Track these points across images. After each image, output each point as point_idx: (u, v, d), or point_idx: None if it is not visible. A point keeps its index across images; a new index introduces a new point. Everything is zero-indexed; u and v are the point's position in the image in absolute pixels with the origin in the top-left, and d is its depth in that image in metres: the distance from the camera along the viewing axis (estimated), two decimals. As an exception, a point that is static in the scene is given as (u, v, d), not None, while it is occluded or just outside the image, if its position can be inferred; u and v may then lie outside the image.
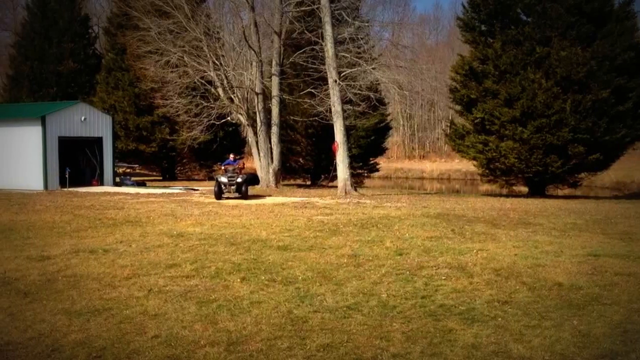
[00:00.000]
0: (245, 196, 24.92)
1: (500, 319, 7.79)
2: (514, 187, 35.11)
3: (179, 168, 48.82)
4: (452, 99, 35.18)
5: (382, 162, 48.32)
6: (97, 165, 34.18)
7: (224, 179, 24.94)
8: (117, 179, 35.90)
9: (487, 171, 33.58)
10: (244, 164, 27.29)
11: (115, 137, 37.11)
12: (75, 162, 33.79)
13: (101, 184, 33.78)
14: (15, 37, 51.74)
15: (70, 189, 30.56)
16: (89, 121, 33.27)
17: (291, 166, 41.67)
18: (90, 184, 33.28)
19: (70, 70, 48.28)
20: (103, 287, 9.51)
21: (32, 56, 48.23)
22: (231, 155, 27.61)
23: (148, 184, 37.47)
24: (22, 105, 40.62)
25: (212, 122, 35.71)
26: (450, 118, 49.76)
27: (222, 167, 26.24)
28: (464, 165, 51.37)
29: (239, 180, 24.90)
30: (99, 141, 34.00)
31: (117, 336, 7.12)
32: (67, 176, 31.60)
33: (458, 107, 34.80)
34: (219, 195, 24.76)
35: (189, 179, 46.00)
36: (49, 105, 36.90)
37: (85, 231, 15.41)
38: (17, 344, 6.85)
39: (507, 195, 32.68)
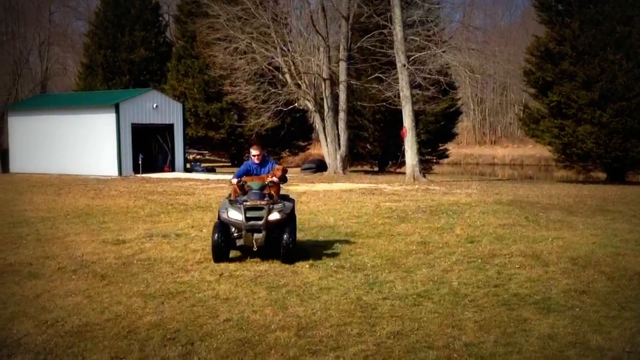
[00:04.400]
0: (290, 257, 10.17)
1: (577, 309, 7.53)
2: (592, 173, 34.07)
3: (246, 154, 49.26)
4: (527, 81, 34.34)
5: (452, 148, 47.56)
6: (169, 151, 34.91)
7: (235, 216, 10.17)
8: (188, 165, 36.62)
9: (563, 157, 32.70)
10: (283, 169, 11.03)
11: (186, 123, 37.82)
12: (148, 149, 34.60)
13: (172, 170, 34.49)
14: (89, 26, 53.17)
15: (143, 175, 31.31)
16: (161, 108, 33.98)
17: (358, 152, 41.52)
18: (162, 170, 34.03)
19: (142, 58, 49.32)
20: (176, 271, 9.68)
21: (105, 45, 49.48)
22: (254, 152, 11.06)
23: (217, 170, 38.08)
24: (97, 93, 41.83)
25: (279, 108, 35.91)
26: (524, 102, 48.65)
27: (235, 182, 10.73)
28: (538, 151, 50.12)
29: (274, 216, 10.15)
30: (170, 128, 34.71)
31: (190, 319, 7.23)
32: (140, 162, 32.41)
33: (532, 90, 33.95)
34: (220, 252, 10.25)
35: (257, 165, 46.35)
36: (122, 92, 37.89)
37: (158, 216, 15.75)
38: (94, 325, 7.03)
39: (584, 182, 31.67)
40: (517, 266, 9.78)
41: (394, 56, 30.31)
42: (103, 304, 7.89)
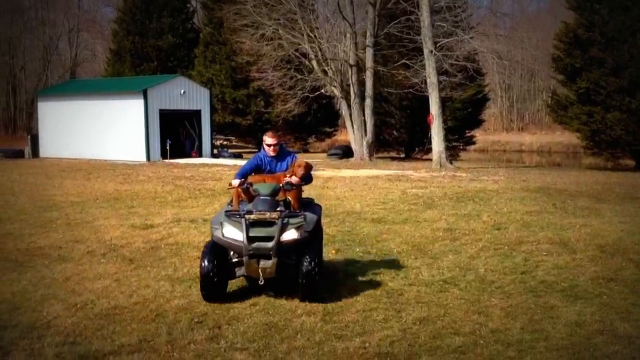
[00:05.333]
0: (312, 291, 7.28)
1: (605, 297, 7.48)
2: (620, 161, 33.61)
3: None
4: (555, 68, 33.91)
5: (479, 135, 47.14)
6: (196, 137, 35.12)
7: (232, 234, 7.25)
8: (215, 151, 36.82)
9: (591, 144, 32.30)
10: (306, 165, 7.99)
11: (213, 110, 37.94)
12: (175, 135, 34.82)
13: (200, 155, 34.71)
14: (118, 12, 53.45)
15: (171, 161, 31.54)
16: (188, 94, 34.16)
17: (385, 139, 41.37)
18: (189, 156, 34.24)
19: (170, 45, 49.50)
20: (203, 256, 9.76)
21: (133, 31, 49.72)
22: (269, 141, 8.22)
23: (244, 155, 38.19)
24: (125, 79, 42.15)
25: (306, 94, 35.88)
26: (552, 88, 47.99)
27: (236, 184, 7.84)
28: (566, 138, 49.53)
29: (290, 234, 7.24)
30: (197, 114, 34.90)
31: (217, 303, 7.29)
32: (167, 148, 32.64)
33: (561, 77, 33.53)
34: (211, 287, 7.28)
35: (283, 151, 46.45)
36: (150, 78, 38.13)
37: (186, 201, 15.88)
38: (123, 308, 7.13)
39: (612, 169, 31.27)
40: (544, 253, 9.72)
41: (421, 42, 30.09)
42: (131, 288, 8.00)
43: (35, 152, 36.05)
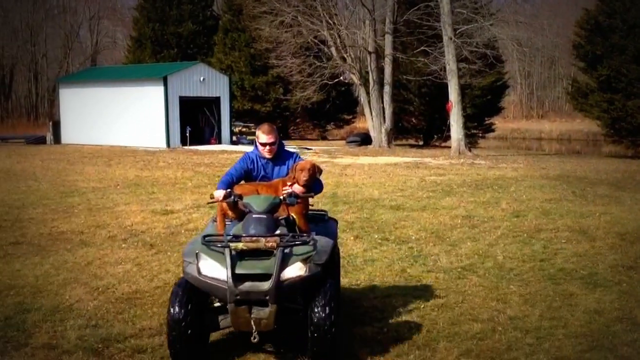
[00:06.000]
0: (326, 351, 5.03)
1: (624, 285, 7.45)
2: (641, 149, 33.27)
3: (292, 127, 49.47)
4: (576, 55, 33.60)
5: (498, 122, 46.78)
6: (215, 124, 35.24)
7: (212, 271, 5.06)
8: (234, 138, 36.93)
9: (611, 131, 32.01)
10: (312, 167, 5.84)
11: (232, 96, 38.03)
12: (195, 121, 34.96)
13: (219, 142, 34.84)
14: (138, 0, 53.62)
15: (191, 147, 31.71)
16: (208, 81, 34.28)
17: (403, 126, 41.25)
18: (208, 143, 34.38)
19: (190, 32, 49.60)
20: (222, 241, 9.83)
21: (153, 18, 49.85)
22: (263, 139, 6.01)
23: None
24: (145, 66, 42.34)
25: (324, 81, 35.85)
26: (572, 76, 47.54)
27: (220, 196, 5.64)
28: (586, 126, 49.02)
29: (293, 270, 5.05)
30: (216, 101, 35.00)
31: None
32: (187, 135, 32.81)
33: (582, 64, 33.20)
34: (181, 344, 5.04)
35: (302, 138, 46.55)
36: (170, 65, 38.30)
37: (205, 187, 15.98)
38: (144, 293, 7.23)
39: (632, 157, 30.93)
40: (563, 241, 9.68)
41: (441, 29, 29.91)
42: (152, 272, 8.09)
43: (57, 139, 36.41)
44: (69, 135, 36.01)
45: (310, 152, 29.47)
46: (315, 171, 5.83)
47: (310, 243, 5.08)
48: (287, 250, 4.99)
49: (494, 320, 6.28)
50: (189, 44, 49.64)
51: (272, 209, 5.39)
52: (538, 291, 7.21)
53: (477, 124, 40.38)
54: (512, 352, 5.50)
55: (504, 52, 40.54)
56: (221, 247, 4.98)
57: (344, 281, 7.51)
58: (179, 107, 32.80)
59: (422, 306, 6.72)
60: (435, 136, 40.75)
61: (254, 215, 5.26)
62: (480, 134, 41.64)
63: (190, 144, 32.57)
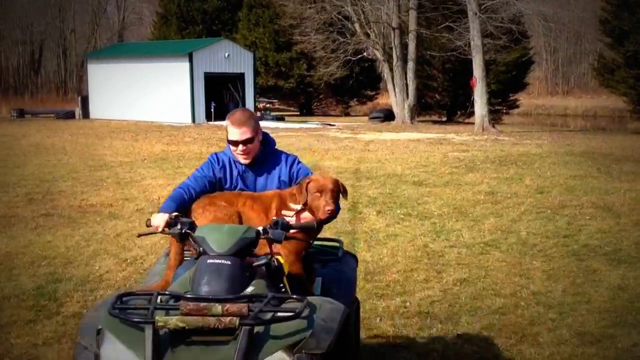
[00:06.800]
0: None
1: (648, 261, 7.45)
2: (668, 125, 32.89)
3: (315, 103, 49.46)
4: (602, 30, 33.15)
5: (523, 99, 46.31)
6: (240, 100, 35.33)
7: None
8: (258, 114, 36.98)
9: (638, 108, 31.62)
10: (337, 185, 3.50)
11: (256, 73, 38.06)
12: (220, 97, 35.09)
13: (242, 118, 34.89)
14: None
15: (215, 123, 31.88)
16: (232, 57, 34.36)
17: (426, 102, 41.04)
18: (232, 118, 34.44)
19: (215, 8, 49.53)
20: (247, 215, 9.95)
21: (179, -5, 49.89)
22: (234, 136, 3.79)
23: (286, 118, 38.33)
24: (171, 42, 42.45)
25: (348, 57, 35.74)
26: (598, 51, 46.79)
27: (164, 226, 3.38)
28: (612, 102, 48.35)
29: None
30: (241, 77, 35.09)
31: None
32: (212, 110, 32.97)
33: (608, 40, 32.76)
34: None
35: (325, 114, 46.51)
36: (195, 42, 38.38)
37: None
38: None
39: (659, 134, 30.60)
40: (587, 217, 9.67)
41: (465, 4, 29.60)
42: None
43: (85, 114, 36.83)
44: (97, 110, 36.38)
45: (333, 129, 29.48)
46: (340, 193, 3.56)
47: (304, 314, 2.70)
48: (258, 331, 2.64)
49: (516, 295, 6.31)
50: (213, 20, 49.60)
51: (242, 249, 3.03)
52: (561, 267, 7.23)
53: (502, 100, 40.07)
54: (534, 327, 5.52)
55: (529, 28, 39.94)
56: (140, 321, 2.61)
57: (366, 255, 7.59)
58: (204, 83, 32.96)
59: (445, 281, 6.76)
60: (459, 112, 40.48)
61: (208, 261, 2.95)
62: (504, 110, 41.32)
63: (215, 120, 32.73)
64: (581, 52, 71.56)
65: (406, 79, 34.34)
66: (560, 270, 7.12)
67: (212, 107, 33.01)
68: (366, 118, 39.95)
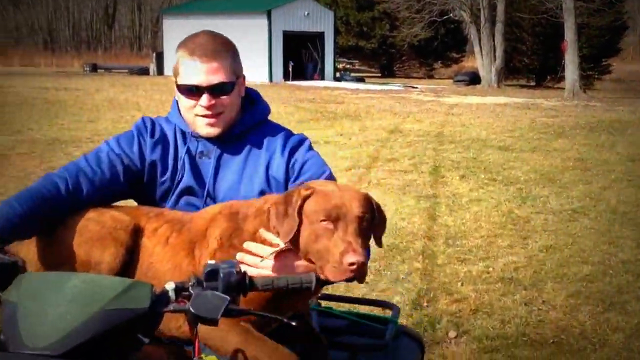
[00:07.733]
0: None
1: None
2: None
3: (397, 65, 48.79)
4: None
5: (616, 64, 44.44)
6: (319, 60, 35.21)
7: None
8: (337, 75, 36.82)
9: None
10: (369, 204, 1.80)
11: (336, 32, 37.77)
12: (298, 57, 35.03)
13: (322, 78, 34.85)
14: None
15: (293, 82, 31.92)
16: (312, 16, 34.15)
17: (514, 66, 39.86)
18: (311, 79, 34.48)
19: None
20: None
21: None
22: (193, 63, 2.24)
23: (367, 80, 37.99)
24: None
25: (433, 18, 35.03)
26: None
27: None
28: None
29: None
30: (320, 36, 34.88)
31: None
32: (290, 70, 32.97)
33: None
34: None
35: (407, 76, 45.85)
36: None
37: (308, 123, 16.09)
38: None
39: None
40: (683, 187, 9.19)
41: (559, -37, 28.42)
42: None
43: (160, 70, 37.20)
44: (171, 66, 36.90)
45: (416, 91, 29.02)
46: (374, 225, 1.93)
47: None
48: None
49: (604, 263, 6.08)
50: (294, -23, 49.46)
51: (98, 341, 1.31)
52: (653, 236, 6.90)
53: (593, 65, 38.54)
54: (622, 295, 5.33)
55: (626, -11, 38.15)
56: None
57: (448, 219, 7.43)
58: (282, 41, 32.90)
59: (530, 247, 6.56)
60: (549, 77, 39.27)
61: None
62: (596, 76, 39.75)
63: (292, 79, 32.75)
64: (681, 16, 67.87)
65: (494, 41, 33.43)
66: (653, 239, 6.79)
67: (290, 66, 33.00)
68: (450, 81, 39.16)
